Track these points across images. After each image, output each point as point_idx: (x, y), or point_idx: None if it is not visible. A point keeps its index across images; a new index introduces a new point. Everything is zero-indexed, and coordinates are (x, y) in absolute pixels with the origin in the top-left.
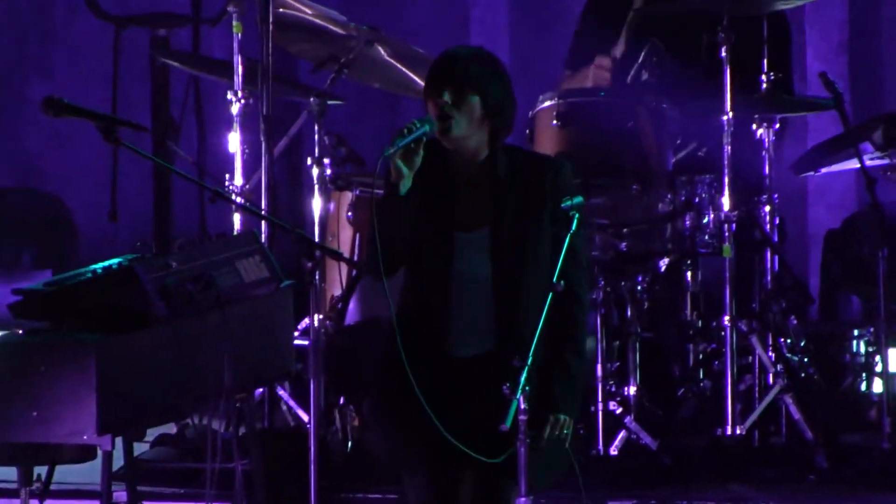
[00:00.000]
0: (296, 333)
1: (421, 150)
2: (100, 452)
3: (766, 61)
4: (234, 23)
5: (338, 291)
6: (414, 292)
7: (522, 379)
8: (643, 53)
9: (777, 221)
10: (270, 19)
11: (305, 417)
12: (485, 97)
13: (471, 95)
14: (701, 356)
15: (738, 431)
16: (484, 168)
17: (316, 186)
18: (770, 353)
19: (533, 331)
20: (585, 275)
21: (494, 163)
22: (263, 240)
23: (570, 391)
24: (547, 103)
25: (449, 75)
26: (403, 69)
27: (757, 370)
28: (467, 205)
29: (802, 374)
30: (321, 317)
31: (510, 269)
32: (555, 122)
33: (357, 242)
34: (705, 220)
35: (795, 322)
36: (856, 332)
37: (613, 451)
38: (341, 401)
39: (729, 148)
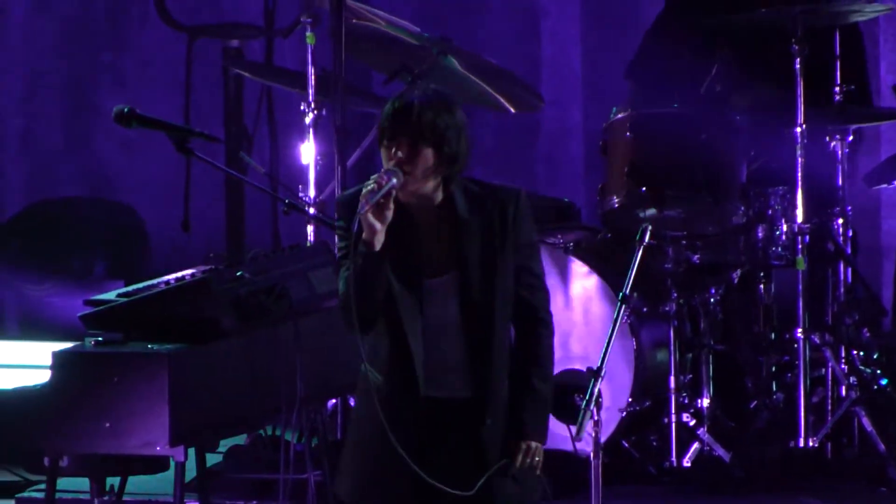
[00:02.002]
0: None
1: (391, 204)
2: (172, 463)
3: (839, 73)
4: (308, 33)
5: None
6: (386, 338)
7: (592, 388)
8: (716, 65)
9: (850, 233)
10: (343, 30)
11: None
12: (439, 148)
13: (424, 148)
14: (774, 368)
15: (810, 444)
16: (442, 210)
17: None
18: (843, 366)
19: (502, 366)
20: (545, 295)
21: (452, 204)
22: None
23: (540, 418)
24: (620, 115)
25: (402, 128)
26: (475, 80)
27: (830, 382)
28: (431, 250)
29: (875, 387)
30: None
31: (480, 311)
32: (628, 133)
33: None
34: (778, 233)
35: (868, 334)
36: None
37: (686, 463)
38: None
39: (802, 160)
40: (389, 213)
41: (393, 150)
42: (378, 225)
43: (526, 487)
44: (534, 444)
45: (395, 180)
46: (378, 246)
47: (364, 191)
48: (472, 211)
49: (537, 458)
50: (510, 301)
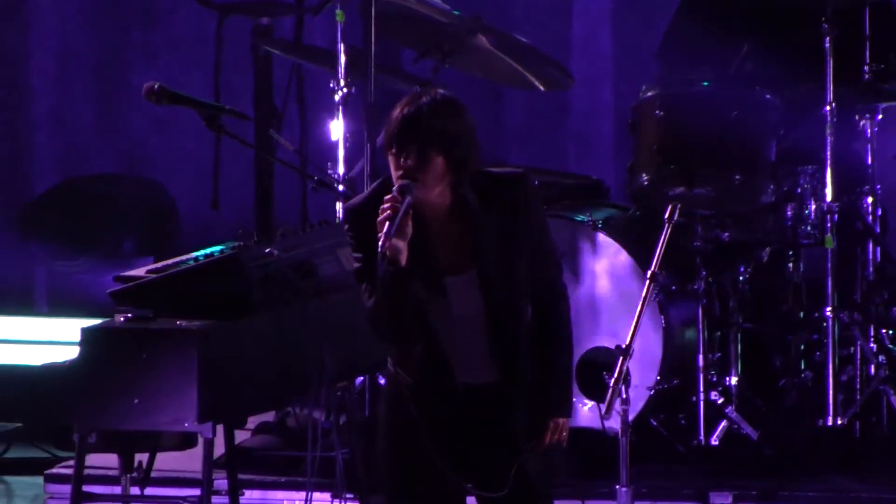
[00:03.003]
0: None
1: (409, 220)
2: (200, 440)
3: (868, 52)
4: (338, 11)
5: None
6: (413, 336)
7: (620, 366)
8: (746, 44)
9: (879, 212)
10: (374, 8)
11: None
12: (449, 154)
13: (435, 156)
14: (802, 347)
15: (839, 422)
16: (454, 209)
17: None
18: (872, 344)
19: (526, 350)
20: (559, 270)
21: (463, 202)
22: None
23: (564, 393)
24: (650, 93)
25: (410, 137)
26: (506, 58)
27: (858, 361)
28: (448, 250)
29: None
30: None
31: (502, 302)
32: (658, 112)
33: None
34: (807, 211)
35: None
36: None
37: (714, 442)
38: None
39: (831, 139)
40: (409, 229)
41: (402, 159)
42: (402, 245)
43: (552, 463)
44: (561, 420)
45: (409, 198)
46: (404, 261)
47: (381, 217)
48: (483, 205)
49: (564, 434)
50: (529, 285)
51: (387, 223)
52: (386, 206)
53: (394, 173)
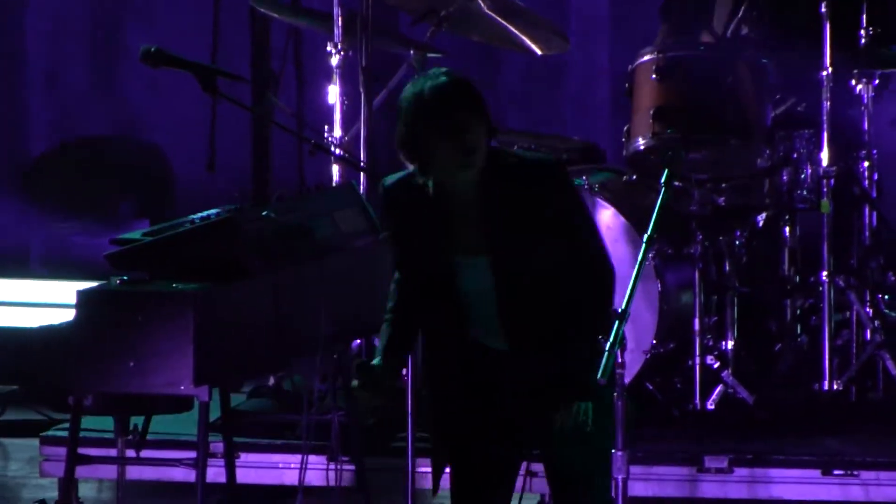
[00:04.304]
0: None
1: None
2: (196, 403)
3: (864, 16)
4: None
5: None
6: (426, 309)
7: (616, 330)
8: (743, 8)
9: (876, 177)
10: None
11: (402, 370)
12: (488, 126)
13: (482, 130)
14: (798, 311)
15: (834, 387)
16: (478, 189)
17: None
18: (868, 309)
19: (543, 326)
20: (596, 252)
21: (487, 182)
22: (362, 191)
23: (581, 376)
24: (646, 57)
25: (468, 114)
26: (503, 22)
27: (854, 326)
28: (465, 229)
29: None
30: None
31: (513, 287)
32: (654, 76)
33: None
34: (803, 176)
35: (893, 278)
36: None
37: (710, 406)
38: None
39: (828, 103)
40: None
41: (462, 139)
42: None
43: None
44: (583, 405)
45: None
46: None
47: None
48: (506, 188)
49: (582, 417)
50: (548, 271)
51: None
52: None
53: (445, 148)
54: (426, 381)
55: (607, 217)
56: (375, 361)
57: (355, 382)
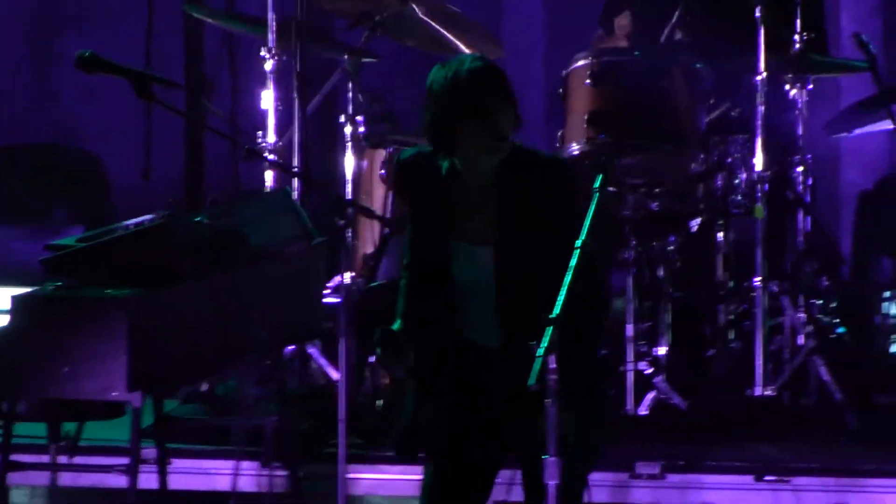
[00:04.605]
0: (327, 291)
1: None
2: (129, 409)
3: (799, 21)
4: None
5: (369, 249)
6: (423, 296)
7: (548, 335)
8: (677, 13)
9: (810, 182)
10: None
11: (335, 376)
12: (516, 113)
13: (513, 113)
14: (732, 317)
15: (767, 392)
16: (493, 178)
17: (349, 144)
18: (801, 314)
19: (537, 322)
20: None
21: (502, 172)
22: (296, 197)
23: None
24: (581, 62)
25: (502, 96)
26: (438, 27)
27: (788, 331)
28: (474, 218)
29: (833, 335)
30: (352, 274)
31: (514, 278)
32: (588, 81)
33: (390, 200)
34: (737, 181)
35: (827, 283)
36: (887, 294)
37: (643, 411)
38: (371, 359)
39: (762, 108)
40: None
41: (494, 123)
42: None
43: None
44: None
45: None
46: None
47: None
48: (521, 182)
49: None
50: (548, 270)
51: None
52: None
53: (476, 130)
54: (413, 375)
55: None
56: (395, 326)
57: (379, 351)
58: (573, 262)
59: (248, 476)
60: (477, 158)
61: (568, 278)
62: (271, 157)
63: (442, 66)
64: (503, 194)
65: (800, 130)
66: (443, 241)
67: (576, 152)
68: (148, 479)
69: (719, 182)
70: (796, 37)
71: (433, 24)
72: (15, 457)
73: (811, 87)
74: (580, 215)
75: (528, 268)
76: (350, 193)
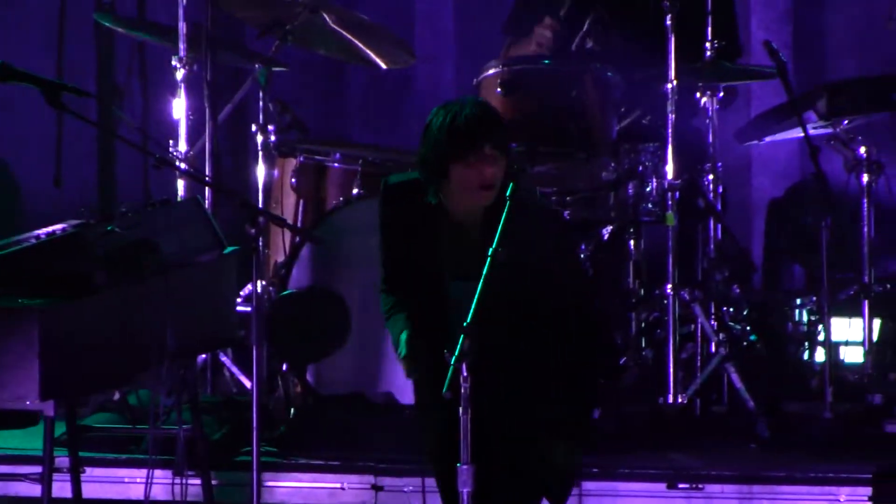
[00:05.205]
0: (239, 300)
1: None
2: (42, 418)
3: (710, 29)
4: None
5: (281, 258)
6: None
7: (461, 343)
8: (588, 21)
9: (720, 190)
10: None
11: (248, 384)
12: (506, 161)
13: (503, 161)
14: (643, 325)
15: (679, 400)
16: (483, 218)
17: (260, 153)
18: (712, 322)
19: (517, 359)
20: (583, 301)
21: (492, 216)
22: (207, 206)
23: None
24: (491, 71)
25: (494, 140)
26: (348, 36)
27: (699, 339)
28: (461, 255)
29: (745, 343)
30: (264, 283)
31: (497, 323)
32: (499, 90)
33: (301, 209)
34: (648, 189)
35: (738, 291)
36: (798, 301)
37: None
38: (284, 367)
39: (672, 116)
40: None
41: (484, 157)
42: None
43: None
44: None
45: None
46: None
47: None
48: (511, 225)
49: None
50: (532, 312)
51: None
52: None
53: (465, 175)
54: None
55: None
56: (403, 336)
57: (404, 352)
58: (485, 270)
59: (160, 484)
60: (463, 200)
61: (480, 287)
62: (182, 165)
63: (443, 107)
64: (487, 235)
65: (710, 138)
66: (432, 272)
67: None
68: (62, 488)
69: (630, 190)
70: (707, 44)
71: (344, 32)
72: None
73: (722, 94)
74: (573, 263)
75: (505, 306)
76: (261, 202)
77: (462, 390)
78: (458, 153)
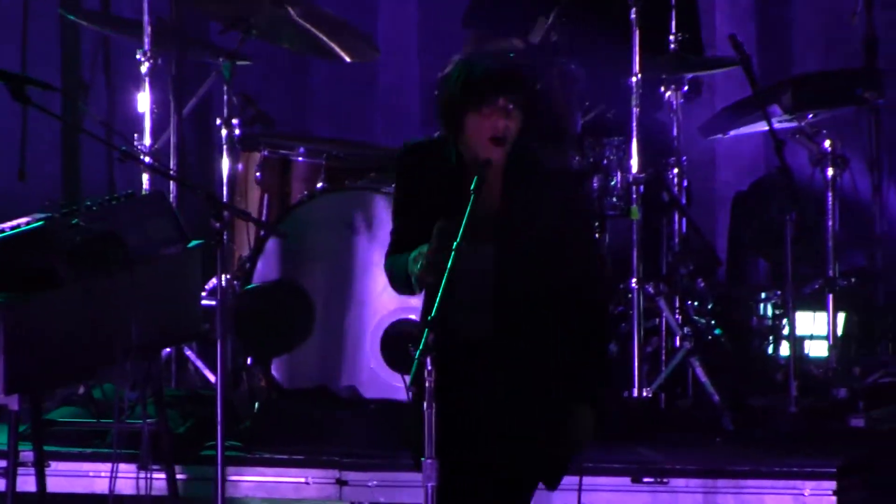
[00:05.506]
0: (203, 294)
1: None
2: (7, 412)
3: (674, 23)
4: None
5: (245, 252)
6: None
7: (425, 338)
8: (553, 14)
9: (685, 184)
10: None
11: (212, 378)
12: (528, 115)
13: (519, 114)
14: None
15: (644, 394)
16: (501, 178)
17: (225, 147)
18: (677, 316)
19: (534, 322)
20: (596, 273)
21: (511, 174)
22: (172, 200)
23: (590, 382)
24: None
25: (509, 92)
26: (312, 30)
27: (664, 333)
28: (479, 215)
29: (709, 337)
30: (229, 277)
31: (513, 286)
32: None
33: (265, 203)
34: (613, 183)
35: (703, 285)
36: (763, 296)
37: None
38: (248, 361)
39: (637, 110)
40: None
41: (498, 110)
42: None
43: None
44: (584, 409)
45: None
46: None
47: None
48: (527, 185)
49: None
50: (552, 277)
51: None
52: (438, 252)
53: (479, 127)
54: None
55: None
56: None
57: (417, 265)
58: (449, 264)
59: (125, 479)
60: (476, 154)
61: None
62: (147, 159)
63: (468, 56)
64: (507, 194)
65: (675, 132)
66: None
67: None
68: (26, 482)
69: (595, 184)
70: (671, 38)
71: (308, 26)
72: None
73: (686, 88)
74: (592, 228)
75: (527, 268)
76: (226, 196)
77: (427, 384)
78: (472, 102)
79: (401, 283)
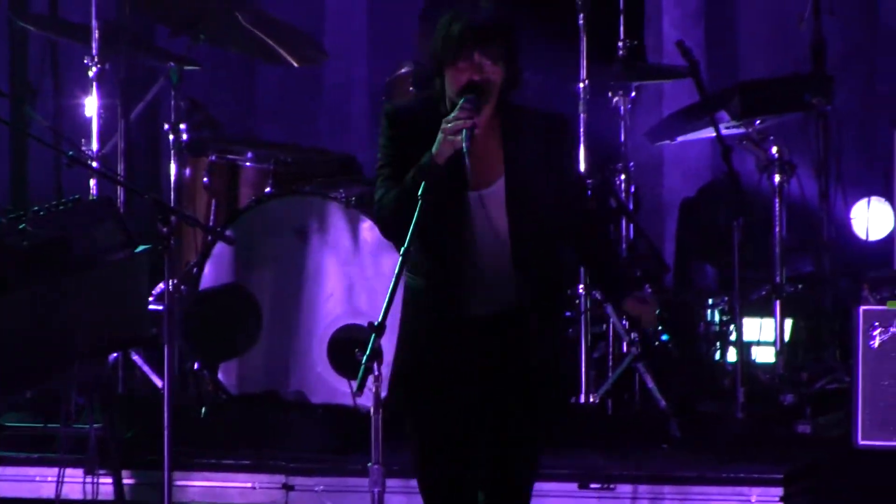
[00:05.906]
0: (151, 298)
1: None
2: None
3: (622, 28)
4: None
5: (193, 257)
6: (430, 257)
7: (372, 342)
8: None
9: (633, 189)
10: None
11: (159, 383)
12: (508, 67)
13: (499, 66)
14: None
15: (591, 399)
16: (492, 127)
17: (172, 152)
18: (624, 322)
19: (553, 280)
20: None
21: (503, 120)
22: (119, 205)
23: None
24: (404, 69)
25: (496, 40)
26: (260, 35)
27: (611, 338)
28: (478, 164)
29: (657, 343)
30: (176, 282)
31: (527, 222)
32: (411, 88)
33: (213, 208)
34: None
35: (650, 290)
36: (710, 301)
37: None
38: (196, 366)
39: (584, 115)
40: (461, 142)
41: (472, 65)
42: (450, 150)
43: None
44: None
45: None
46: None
47: (454, 123)
48: (522, 128)
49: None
50: (558, 214)
51: (456, 129)
52: (463, 114)
53: (455, 80)
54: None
55: (365, 230)
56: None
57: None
58: (398, 269)
59: (72, 483)
60: (452, 102)
61: (390, 289)
62: (94, 164)
63: (462, 7)
64: (507, 137)
65: (622, 138)
66: (454, 189)
67: None
68: None
69: None
70: (620, 43)
71: (255, 31)
72: None
73: (634, 94)
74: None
75: (538, 213)
76: (173, 201)
77: (373, 390)
78: (448, 56)
79: (402, 200)
